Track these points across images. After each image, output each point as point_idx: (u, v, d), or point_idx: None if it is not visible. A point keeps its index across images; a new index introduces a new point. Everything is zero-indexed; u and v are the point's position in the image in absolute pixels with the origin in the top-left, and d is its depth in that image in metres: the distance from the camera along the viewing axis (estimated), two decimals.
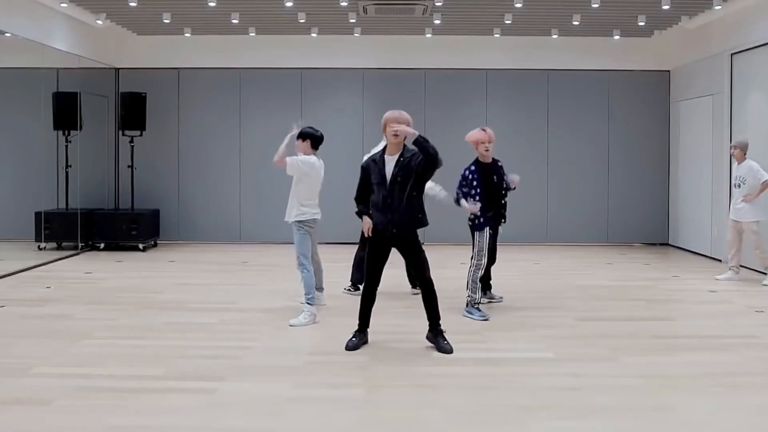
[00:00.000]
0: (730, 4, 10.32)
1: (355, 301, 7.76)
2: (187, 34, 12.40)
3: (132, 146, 12.22)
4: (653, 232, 13.09)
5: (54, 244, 11.37)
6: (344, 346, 5.97)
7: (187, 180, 13.06)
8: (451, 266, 10.28)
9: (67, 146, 11.38)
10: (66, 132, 11.37)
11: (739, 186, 9.17)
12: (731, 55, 10.84)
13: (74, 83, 11.61)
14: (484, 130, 7.28)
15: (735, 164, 9.31)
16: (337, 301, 7.87)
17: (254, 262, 10.73)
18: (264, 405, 4.71)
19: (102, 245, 11.84)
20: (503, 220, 7.41)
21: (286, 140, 7.18)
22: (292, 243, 7.31)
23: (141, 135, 12.31)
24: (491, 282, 7.90)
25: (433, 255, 9.29)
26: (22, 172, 11.34)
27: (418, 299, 6.39)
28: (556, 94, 13.00)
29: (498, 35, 12.36)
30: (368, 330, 6.17)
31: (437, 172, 6.05)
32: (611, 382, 5.22)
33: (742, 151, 9.16)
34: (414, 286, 8.08)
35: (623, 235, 13.07)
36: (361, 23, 11.72)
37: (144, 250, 11.88)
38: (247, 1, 10.46)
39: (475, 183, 7.21)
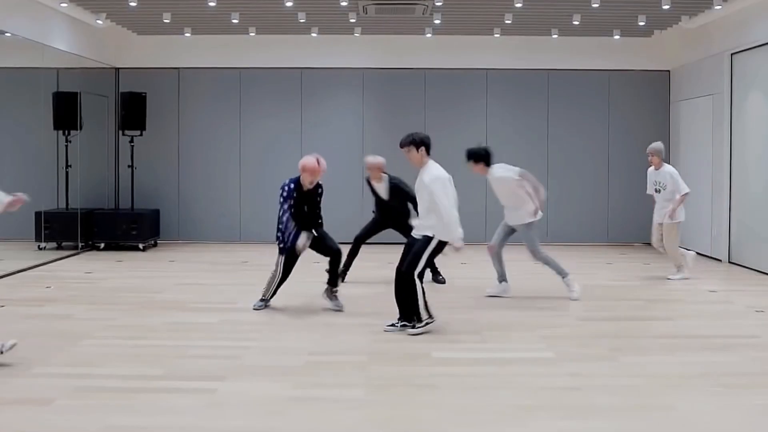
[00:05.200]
0: (730, 4, 10.32)
1: (351, 300, 7.76)
2: (187, 34, 12.41)
3: (132, 146, 12.22)
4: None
5: (54, 244, 11.37)
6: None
7: (187, 180, 13.06)
8: (451, 266, 10.28)
9: (67, 146, 11.37)
10: (66, 132, 11.37)
11: (659, 191, 9.32)
12: (731, 55, 10.84)
13: (74, 83, 11.61)
14: (318, 162, 7.29)
15: (651, 169, 9.40)
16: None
17: (254, 262, 10.72)
18: (264, 405, 4.71)
19: (102, 245, 11.84)
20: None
21: None
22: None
23: (141, 135, 12.31)
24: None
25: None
26: (22, 172, 11.33)
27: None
28: (556, 94, 12.99)
29: (498, 35, 12.36)
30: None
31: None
32: (611, 382, 5.22)
33: (658, 157, 9.30)
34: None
35: (623, 235, 13.07)
36: (361, 23, 11.72)
37: (144, 250, 11.88)
38: (247, 1, 10.46)
39: (291, 200, 7.31)
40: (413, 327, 6.49)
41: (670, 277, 9.46)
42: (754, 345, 6.23)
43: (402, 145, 6.62)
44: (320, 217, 7.56)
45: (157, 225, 12.63)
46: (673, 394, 4.93)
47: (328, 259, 7.53)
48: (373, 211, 9.29)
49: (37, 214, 11.03)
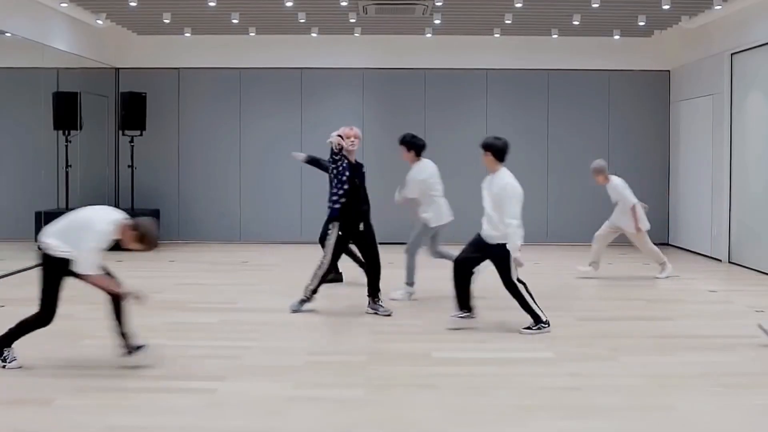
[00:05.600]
0: (730, 4, 10.32)
1: (351, 300, 7.76)
2: (187, 34, 12.40)
3: (132, 146, 12.23)
4: (653, 232, 12.88)
5: None
6: None
7: (187, 180, 13.06)
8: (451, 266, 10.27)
9: (67, 146, 11.37)
10: (66, 132, 11.36)
11: (617, 203, 9.34)
12: (731, 55, 10.84)
13: (74, 83, 11.60)
14: (351, 128, 7.36)
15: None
16: (337, 301, 7.87)
17: (254, 262, 10.73)
18: (264, 405, 4.71)
19: None
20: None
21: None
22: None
23: (141, 135, 12.32)
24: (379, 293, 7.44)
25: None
26: (22, 172, 11.33)
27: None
28: (556, 94, 12.99)
29: (498, 35, 12.36)
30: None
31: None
32: (611, 382, 5.22)
33: (602, 174, 9.24)
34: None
35: (623, 236, 13.02)
36: (361, 23, 11.72)
37: None
38: (247, 1, 10.46)
39: (344, 178, 7.23)
40: (531, 328, 6.54)
41: (657, 276, 9.46)
42: (754, 345, 6.22)
43: (482, 147, 6.91)
44: (368, 202, 7.41)
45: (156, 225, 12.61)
46: (673, 394, 4.94)
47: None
48: None
49: (37, 214, 11.00)
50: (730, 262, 10.88)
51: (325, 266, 7.30)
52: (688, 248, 12.18)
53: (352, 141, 7.25)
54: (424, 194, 7.90)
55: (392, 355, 5.88)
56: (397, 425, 4.44)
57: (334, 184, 7.27)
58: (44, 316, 5.31)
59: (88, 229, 5.20)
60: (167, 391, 4.95)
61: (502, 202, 6.42)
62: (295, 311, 7.28)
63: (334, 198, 7.23)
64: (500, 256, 6.47)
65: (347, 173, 7.20)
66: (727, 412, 4.64)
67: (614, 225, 9.42)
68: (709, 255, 11.42)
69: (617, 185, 9.22)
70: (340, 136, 7.20)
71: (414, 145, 8.00)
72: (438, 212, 7.92)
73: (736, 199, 10.78)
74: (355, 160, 7.37)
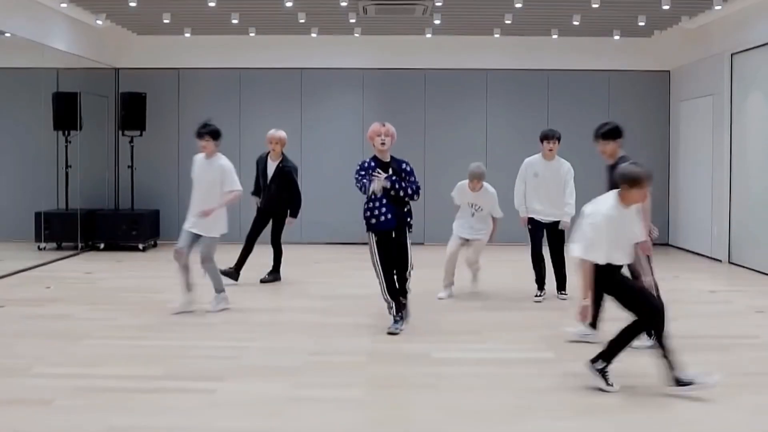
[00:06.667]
0: (730, 4, 10.32)
1: (352, 301, 7.76)
2: (187, 34, 12.40)
3: (132, 146, 12.22)
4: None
5: (54, 244, 11.36)
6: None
7: (187, 180, 12.96)
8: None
9: (67, 146, 11.37)
10: (66, 132, 11.37)
11: (476, 213, 8.28)
12: (731, 55, 10.84)
13: (74, 83, 11.61)
14: (383, 125, 6.77)
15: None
16: (336, 301, 7.87)
17: (254, 262, 10.70)
18: (264, 405, 4.71)
19: (102, 245, 11.83)
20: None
21: None
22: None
23: (141, 135, 12.31)
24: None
25: (433, 255, 9.28)
26: (22, 172, 11.34)
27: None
28: (556, 94, 12.99)
29: (498, 35, 12.36)
30: None
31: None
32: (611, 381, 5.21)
33: (482, 179, 8.14)
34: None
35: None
36: (361, 23, 11.71)
37: (144, 250, 11.87)
38: (247, 1, 10.46)
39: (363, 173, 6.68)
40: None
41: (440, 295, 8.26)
42: (754, 345, 6.23)
43: (555, 137, 8.15)
44: (408, 205, 6.64)
45: (157, 225, 12.63)
46: (673, 394, 4.93)
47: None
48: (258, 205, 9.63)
49: (37, 215, 11.03)
50: (730, 262, 10.88)
51: (380, 274, 6.67)
52: (688, 248, 12.18)
53: (383, 139, 6.65)
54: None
55: (392, 355, 5.88)
56: (397, 425, 4.44)
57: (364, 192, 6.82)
58: (649, 313, 5.18)
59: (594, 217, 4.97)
60: (167, 391, 4.95)
61: (566, 182, 8.07)
62: (394, 332, 6.56)
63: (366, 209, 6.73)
64: (560, 230, 7.88)
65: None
66: (727, 412, 4.64)
67: (463, 237, 8.32)
68: (709, 255, 11.41)
69: (493, 194, 8.25)
70: (378, 174, 6.58)
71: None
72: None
73: (736, 199, 10.77)
74: (392, 157, 6.75)
